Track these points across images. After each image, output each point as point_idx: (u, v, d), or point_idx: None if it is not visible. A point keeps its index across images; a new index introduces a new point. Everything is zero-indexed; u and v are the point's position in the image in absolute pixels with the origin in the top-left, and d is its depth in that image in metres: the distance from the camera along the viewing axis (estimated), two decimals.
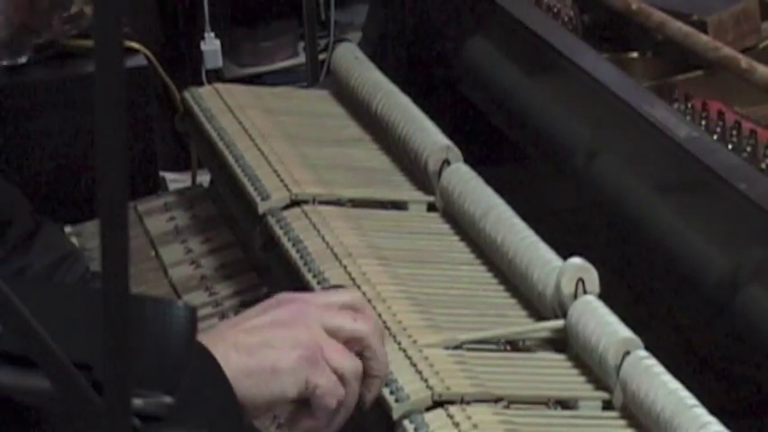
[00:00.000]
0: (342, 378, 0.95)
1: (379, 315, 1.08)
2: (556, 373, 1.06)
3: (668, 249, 1.13)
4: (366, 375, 0.98)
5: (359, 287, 1.13)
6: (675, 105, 1.30)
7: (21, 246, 1.29)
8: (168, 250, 1.44)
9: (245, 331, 0.95)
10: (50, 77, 1.73)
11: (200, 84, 1.65)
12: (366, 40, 1.67)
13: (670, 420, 0.94)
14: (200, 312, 1.29)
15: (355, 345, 0.97)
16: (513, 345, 1.10)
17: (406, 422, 0.98)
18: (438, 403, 0.99)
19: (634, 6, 1.41)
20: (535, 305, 1.13)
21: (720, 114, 1.26)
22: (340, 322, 0.97)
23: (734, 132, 1.24)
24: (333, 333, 0.96)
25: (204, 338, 0.90)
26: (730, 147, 1.22)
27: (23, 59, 1.64)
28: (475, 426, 0.96)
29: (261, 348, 0.93)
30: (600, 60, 1.33)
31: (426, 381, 1.01)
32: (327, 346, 0.95)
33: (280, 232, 1.22)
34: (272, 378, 0.92)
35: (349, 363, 0.96)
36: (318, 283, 1.14)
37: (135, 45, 1.76)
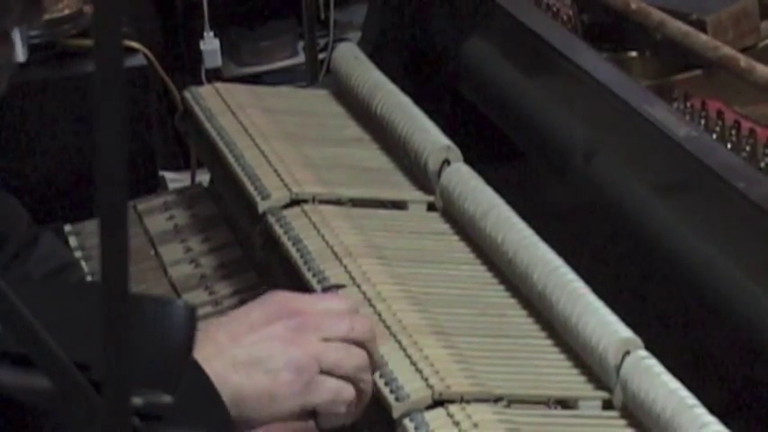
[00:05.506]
0: (349, 377, 0.97)
1: (380, 314, 1.09)
2: (556, 373, 1.06)
3: (668, 249, 1.13)
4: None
5: (359, 286, 1.13)
6: (675, 105, 1.30)
7: (18, 256, 1.28)
8: (168, 249, 1.44)
9: (244, 347, 0.96)
10: (50, 77, 1.73)
11: (200, 83, 1.65)
12: (366, 40, 1.67)
13: (670, 420, 0.94)
14: (200, 311, 1.29)
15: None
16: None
17: (406, 421, 0.98)
18: (438, 402, 0.99)
19: (633, 6, 1.40)
20: (535, 305, 1.12)
21: (719, 114, 1.26)
22: (338, 331, 0.98)
23: (733, 132, 1.24)
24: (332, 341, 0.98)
25: (202, 349, 0.91)
26: (729, 146, 1.22)
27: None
28: (475, 425, 0.97)
29: (258, 372, 0.95)
30: (599, 60, 1.33)
31: (426, 380, 1.01)
32: (325, 353, 0.97)
33: (280, 231, 1.22)
34: (268, 403, 0.95)
35: (352, 361, 0.98)
36: (318, 282, 1.14)
37: (135, 45, 1.76)
